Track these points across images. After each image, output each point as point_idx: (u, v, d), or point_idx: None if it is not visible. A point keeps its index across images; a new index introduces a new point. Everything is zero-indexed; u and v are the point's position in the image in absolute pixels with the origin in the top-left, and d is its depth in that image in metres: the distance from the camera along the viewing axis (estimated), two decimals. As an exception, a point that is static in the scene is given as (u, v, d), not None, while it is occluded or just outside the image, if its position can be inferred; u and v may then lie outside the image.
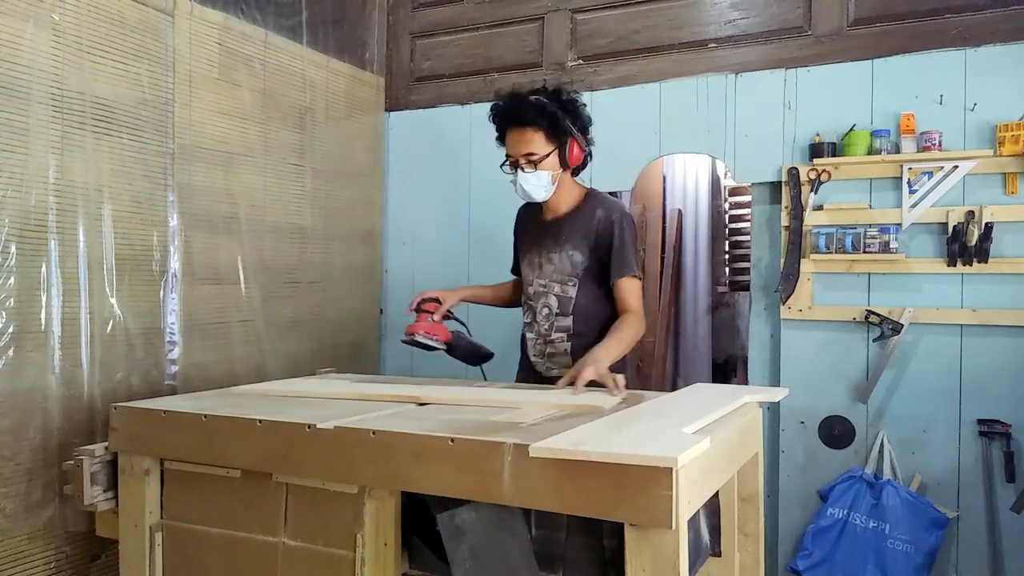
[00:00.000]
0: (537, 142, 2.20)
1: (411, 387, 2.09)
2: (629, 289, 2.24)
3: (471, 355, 2.48)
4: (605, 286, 2.27)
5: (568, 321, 2.29)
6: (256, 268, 2.96)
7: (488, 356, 2.48)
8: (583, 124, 2.28)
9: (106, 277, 2.39)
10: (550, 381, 2.29)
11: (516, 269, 2.54)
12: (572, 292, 2.29)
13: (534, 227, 2.40)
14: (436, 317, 2.39)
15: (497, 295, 2.61)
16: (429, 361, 3.64)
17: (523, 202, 2.40)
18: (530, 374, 2.40)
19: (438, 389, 2.06)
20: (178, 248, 2.62)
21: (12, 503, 2.14)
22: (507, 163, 2.27)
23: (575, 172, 2.35)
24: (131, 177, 2.47)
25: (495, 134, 2.32)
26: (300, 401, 1.98)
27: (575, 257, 2.28)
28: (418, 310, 2.40)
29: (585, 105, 2.32)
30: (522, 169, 2.22)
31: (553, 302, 2.31)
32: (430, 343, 2.38)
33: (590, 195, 2.34)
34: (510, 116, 2.23)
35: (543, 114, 2.18)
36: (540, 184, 2.24)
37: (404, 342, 2.40)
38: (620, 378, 2.00)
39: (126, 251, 2.45)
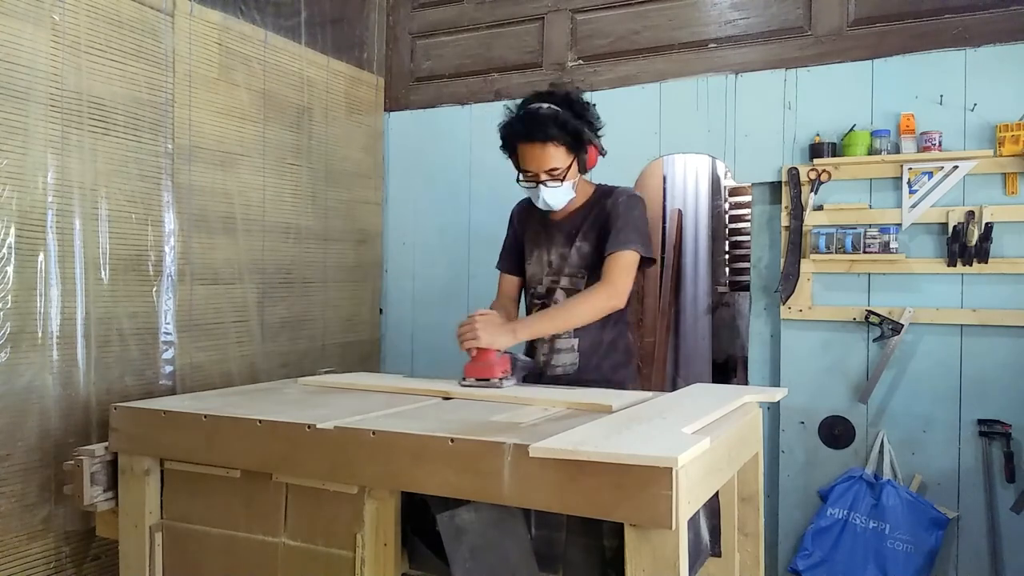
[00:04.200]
0: (559, 157, 2.13)
1: (436, 383, 2.13)
2: (614, 260, 2.13)
3: (527, 372, 2.20)
4: None
5: None
6: (254, 268, 2.96)
7: (536, 366, 2.31)
8: (596, 125, 2.22)
9: (103, 277, 2.39)
10: (555, 380, 2.26)
11: (508, 266, 2.45)
12: (581, 285, 2.24)
13: (541, 225, 2.34)
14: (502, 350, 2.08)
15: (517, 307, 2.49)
16: (427, 361, 3.65)
17: (524, 198, 2.39)
18: (537, 374, 2.35)
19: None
20: (175, 248, 2.62)
21: (8, 502, 2.14)
22: (524, 177, 2.20)
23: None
24: (129, 177, 2.47)
25: (499, 142, 2.24)
26: (304, 400, 1.98)
27: (583, 249, 2.24)
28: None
29: (593, 103, 2.25)
30: (545, 184, 2.16)
31: (561, 296, 2.27)
32: (509, 382, 2.06)
33: (600, 188, 2.31)
34: (527, 133, 2.13)
35: (564, 128, 2.10)
36: (564, 195, 2.21)
37: (468, 386, 2.05)
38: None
39: (123, 251, 2.45)
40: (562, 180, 2.16)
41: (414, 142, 3.71)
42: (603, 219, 2.22)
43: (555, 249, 2.30)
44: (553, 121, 2.10)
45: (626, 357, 2.32)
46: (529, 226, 2.39)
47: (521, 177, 2.22)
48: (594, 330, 2.23)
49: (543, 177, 2.16)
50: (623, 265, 2.13)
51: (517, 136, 2.16)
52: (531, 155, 2.15)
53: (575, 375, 2.25)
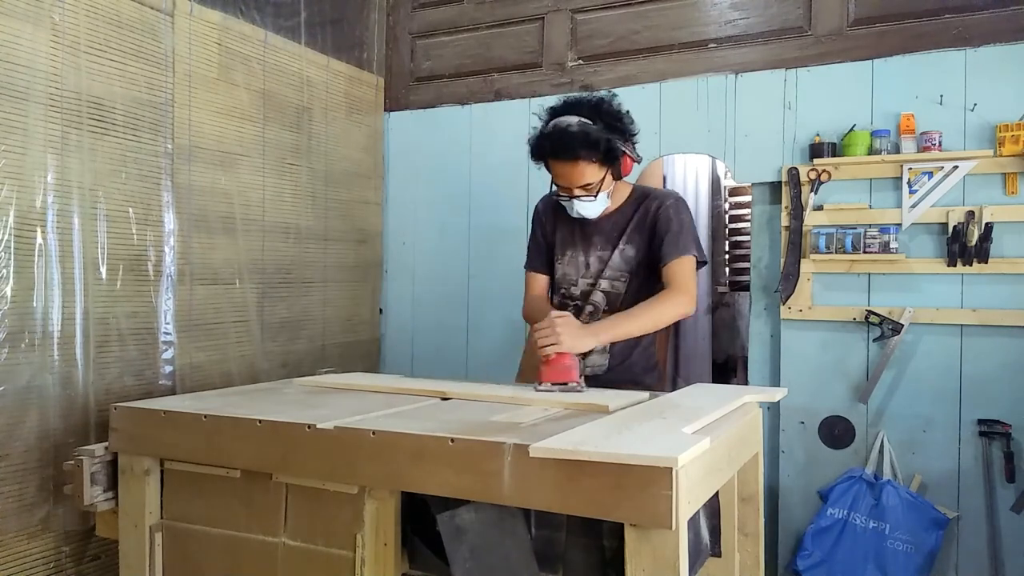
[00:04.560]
0: (591, 172, 2.07)
1: (434, 383, 2.13)
2: (678, 266, 2.11)
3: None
4: (655, 277, 2.17)
5: None
6: (253, 268, 2.96)
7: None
8: (630, 131, 2.15)
9: (103, 277, 2.39)
10: (584, 380, 2.23)
11: (538, 266, 2.38)
12: (622, 288, 2.21)
13: (577, 226, 2.28)
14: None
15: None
16: (427, 362, 3.65)
17: (542, 197, 2.37)
18: None
19: (458, 385, 2.11)
20: (175, 248, 2.62)
21: (7, 502, 2.14)
22: (559, 189, 2.16)
23: None
24: (129, 177, 2.47)
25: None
26: (304, 400, 1.98)
27: (627, 252, 2.20)
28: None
29: (626, 109, 2.16)
30: (579, 199, 2.12)
31: (600, 299, 2.22)
32: (583, 385, 2.00)
33: (637, 190, 2.26)
34: (556, 152, 2.06)
35: (595, 146, 2.02)
36: (600, 207, 2.16)
37: (545, 391, 1.96)
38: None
39: (123, 251, 2.45)
40: (596, 193, 2.11)
41: (414, 142, 3.71)
42: (649, 223, 2.18)
43: (594, 252, 2.25)
44: (583, 139, 2.02)
45: (654, 361, 2.31)
46: (560, 225, 2.32)
47: (555, 189, 2.18)
48: None
49: (576, 192, 2.11)
50: (688, 271, 2.11)
51: (547, 154, 2.10)
52: (562, 172, 2.10)
53: (604, 376, 2.22)
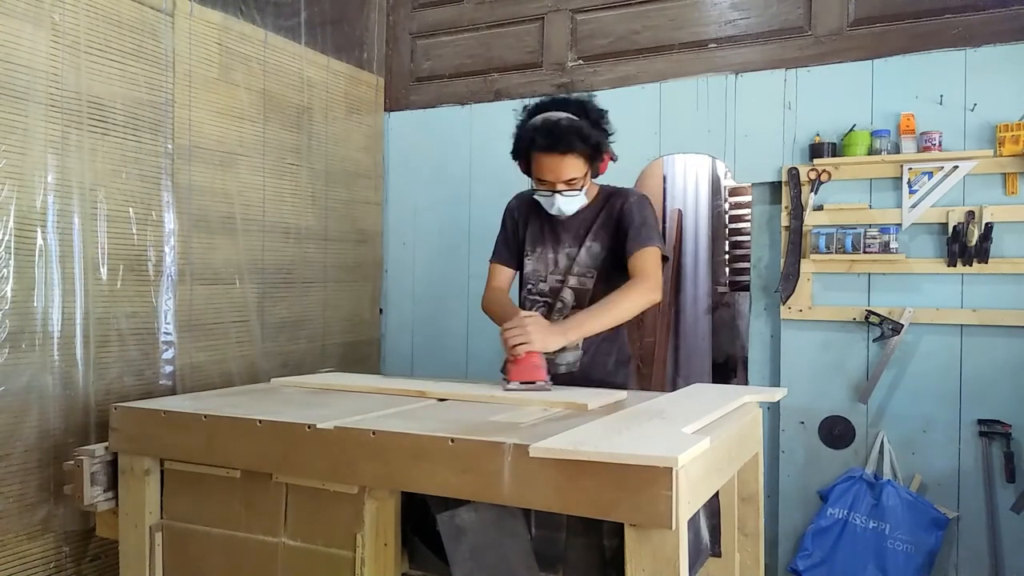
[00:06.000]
0: (577, 167, 2.13)
1: (427, 384, 2.13)
2: (642, 257, 2.14)
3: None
4: (620, 274, 2.19)
5: None
6: (253, 268, 2.96)
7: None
8: (609, 132, 2.21)
9: (103, 277, 2.39)
10: (558, 379, 2.23)
11: (505, 259, 2.42)
12: (590, 284, 2.25)
13: (546, 223, 2.32)
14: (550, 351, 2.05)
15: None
16: (427, 361, 3.65)
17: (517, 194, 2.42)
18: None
19: (449, 386, 2.11)
20: (175, 248, 2.62)
21: (8, 502, 2.14)
22: (539, 185, 2.19)
23: None
24: (129, 177, 2.47)
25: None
26: (304, 400, 1.98)
27: (593, 249, 2.24)
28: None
29: (606, 110, 2.21)
30: (561, 194, 2.15)
31: (568, 296, 2.26)
32: (550, 384, 2.03)
33: (604, 190, 2.30)
34: (549, 145, 2.10)
35: (586, 141, 2.09)
36: (579, 203, 2.21)
37: (514, 390, 1.99)
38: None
39: (123, 251, 2.45)
40: (580, 189, 2.16)
41: (414, 142, 3.71)
42: (614, 220, 2.23)
43: (562, 249, 2.29)
44: (576, 134, 2.07)
45: (626, 356, 2.34)
46: (531, 222, 2.36)
47: (535, 185, 2.21)
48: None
49: (560, 187, 2.15)
50: (652, 260, 2.15)
51: (536, 147, 2.13)
52: (549, 166, 2.13)
53: (579, 373, 2.25)
